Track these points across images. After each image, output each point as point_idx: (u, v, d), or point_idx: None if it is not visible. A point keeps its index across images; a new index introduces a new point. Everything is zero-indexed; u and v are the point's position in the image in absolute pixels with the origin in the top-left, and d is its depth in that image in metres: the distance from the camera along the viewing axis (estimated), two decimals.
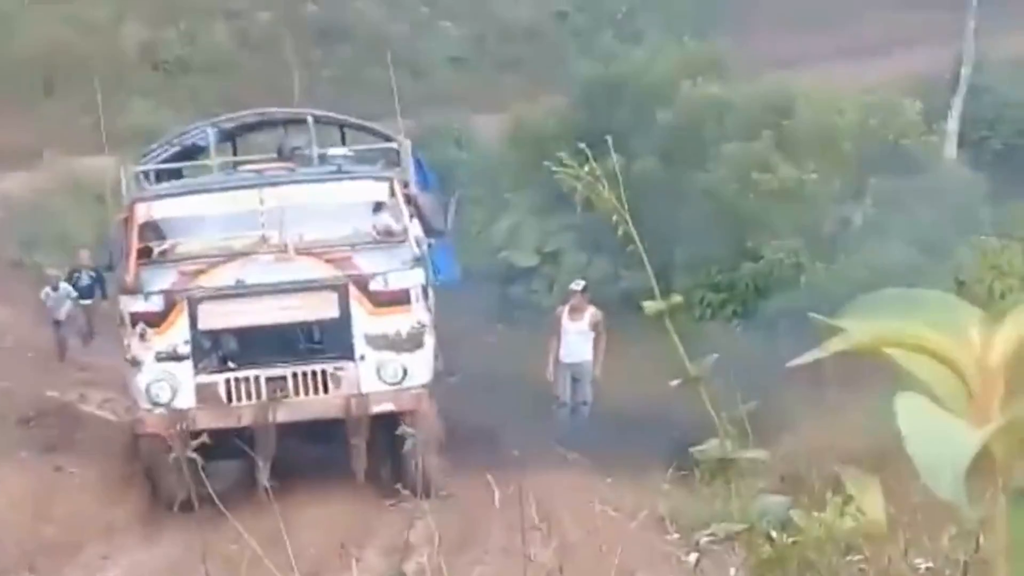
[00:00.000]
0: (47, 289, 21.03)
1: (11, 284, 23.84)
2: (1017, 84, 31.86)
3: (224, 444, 13.02)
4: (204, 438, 8.18)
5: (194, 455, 7.49)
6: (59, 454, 16.84)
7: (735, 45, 29.78)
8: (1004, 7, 32.66)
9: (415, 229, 16.69)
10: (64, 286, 21.20)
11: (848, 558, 3.58)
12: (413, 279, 16.07)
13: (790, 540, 3.41)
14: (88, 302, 22.48)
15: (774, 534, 3.44)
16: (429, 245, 17.30)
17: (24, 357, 21.71)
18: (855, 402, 13.40)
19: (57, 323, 21.13)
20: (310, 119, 18.62)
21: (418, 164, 19.06)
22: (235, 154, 20.02)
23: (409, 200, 16.87)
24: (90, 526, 14.84)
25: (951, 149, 28.84)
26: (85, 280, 22.52)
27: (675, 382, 3.38)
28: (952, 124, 29.56)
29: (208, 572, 7.28)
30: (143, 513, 15.58)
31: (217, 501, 6.06)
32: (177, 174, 18.43)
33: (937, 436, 0.85)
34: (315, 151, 17.88)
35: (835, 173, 23.96)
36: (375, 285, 15.75)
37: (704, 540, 4.53)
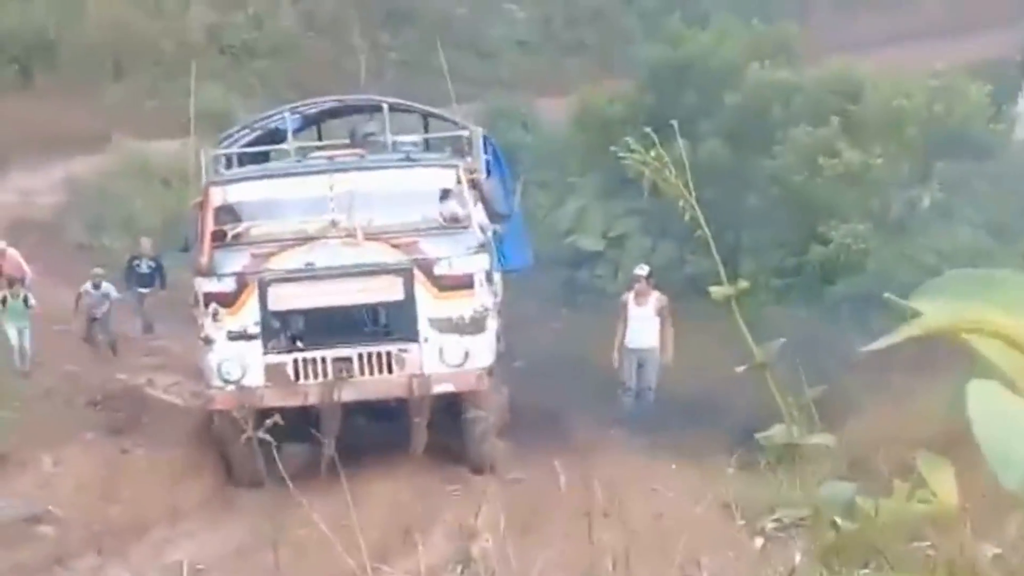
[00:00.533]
0: (88, 285, 20.92)
1: (77, 266, 23.62)
2: None
3: (293, 425, 13.06)
4: (276, 418, 8.31)
5: (265, 436, 7.41)
6: (126, 437, 17.18)
7: (801, 28, 29.52)
8: None
9: (480, 215, 16.92)
10: (107, 286, 21.00)
11: (915, 544, 3.34)
12: (477, 264, 16.31)
13: (855, 526, 3.45)
14: (147, 291, 22.29)
15: (839, 520, 3.54)
16: (496, 232, 17.48)
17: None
18: (924, 388, 13.35)
19: (93, 320, 21.07)
20: (385, 107, 18.77)
21: (492, 151, 19.23)
22: (320, 139, 20.25)
23: (475, 186, 17.07)
24: (156, 508, 15.08)
25: (1021, 132, 28.52)
26: (145, 268, 22.28)
27: (741, 368, 3.41)
28: (1022, 106, 29.25)
29: (277, 556, 7.45)
30: (209, 496, 15.92)
31: (288, 480, 6.03)
32: (256, 158, 18.68)
33: (1007, 424, 0.82)
34: (388, 138, 18.11)
35: (902, 157, 23.70)
36: (440, 270, 16.01)
37: (769, 526, 4.84)
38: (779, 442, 3.14)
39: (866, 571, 3.01)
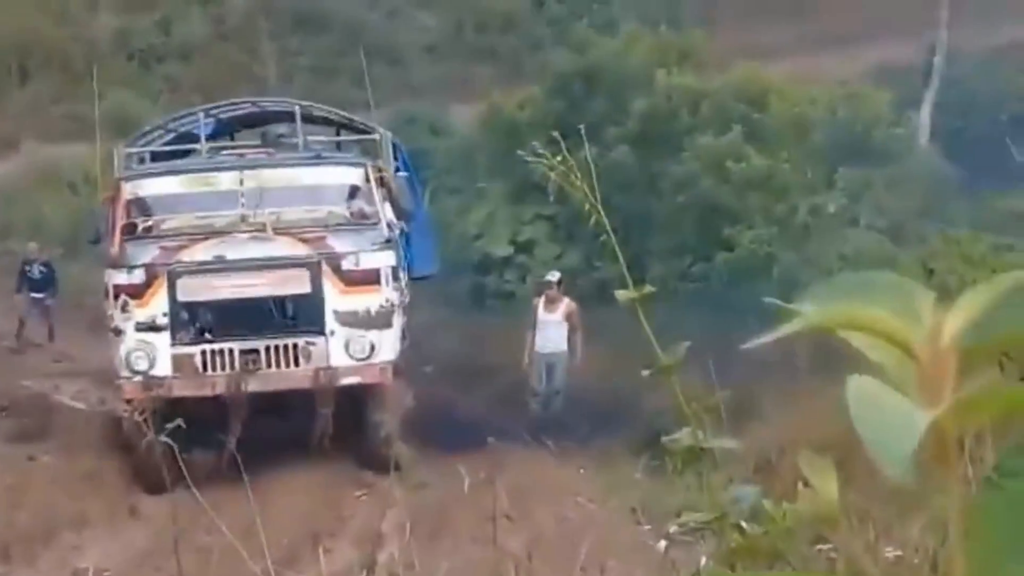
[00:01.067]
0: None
1: None
2: (990, 75, 32.24)
3: (200, 429, 13.23)
4: (179, 422, 8.44)
5: (168, 440, 7.55)
6: (33, 444, 17.25)
7: (708, 35, 30.11)
8: None
9: (388, 213, 17.43)
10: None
11: (818, 547, 3.47)
12: (383, 260, 16.72)
13: (760, 530, 3.34)
14: (41, 296, 22.39)
15: (744, 524, 3.33)
16: (403, 231, 18.07)
17: None
18: (828, 390, 13.51)
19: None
20: (297, 110, 19.41)
21: (401, 156, 20.00)
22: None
23: (383, 185, 17.54)
24: (63, 514, 14.94)
25: (923, 139, 29.18)
26: (36, 273, 22.40)
27: (646, 372, 3.39)
28: (925, 114, 29.92)
29: (180, 562, 7.45)
30: (115, 502, 15.73)
31: (192, 486, 6.06)
32: (168, 157, 19.08)
33: (887, 417, 0.85)
34: (300, 139, 18.67)
35: (807, 163, 24.34)
36: (346, 264, 16.38)
37: (674, 530, 4.46)
38: (685, 446, 3.34)
39: (770, 573, 3.14)
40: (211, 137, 20.04)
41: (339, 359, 16.45)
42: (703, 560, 4.04)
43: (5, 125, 32.60)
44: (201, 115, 20.21)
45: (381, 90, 20.67)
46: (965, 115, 31.00)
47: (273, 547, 6.16)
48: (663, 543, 4.84)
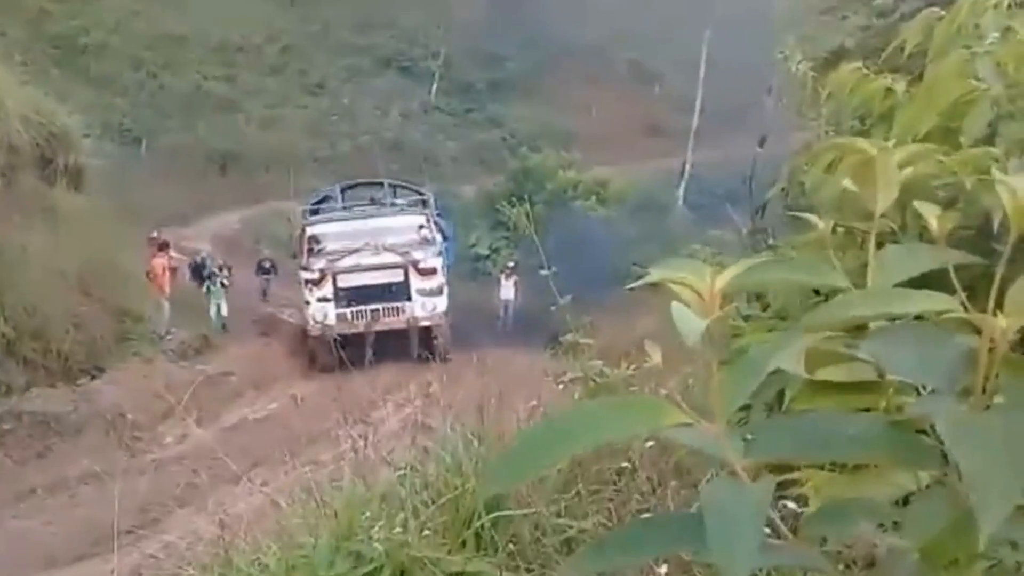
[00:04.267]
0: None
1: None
2: None
3: (350, 343, 19.38)
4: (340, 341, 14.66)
5: (335, 344, 12.88)
6: (269, 336, 26.66)
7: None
8: None
9: (438, 237, 25.36)
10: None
11: (632, 388, 5.24)
12: (438, 262, 24.51)
13: (603, 381, 5.40)
14: (268, 276, 31.74)
15: (596, 378, 5.44)
16: (446, 247, 25.79)
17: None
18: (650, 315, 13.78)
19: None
20: (386, 183, 27.04)
21: (438, 205, 27.67)
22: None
23: (435, 223, 25.49)
24: (280, 371, 22.38)
25: None
26: (268, 265, 31.98)
27: (553, 307, 6.01)
28: None
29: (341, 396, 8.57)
30: (304, 369, 22.92)
31: (349, 365, 8.92)
32: (323, 210, 26.73)
33: (689, 322, 1.23)
34: (389, 199, 26.74)
35: None
36: (421, 265, 23.93)
37: (565, 380, 6.00)
38: (569, 340, 5.91)
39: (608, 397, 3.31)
40: (342, 198, 27.64)
41: (418, 312, 23.91)
42: (576, 395, 5.82)
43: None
44: (337, 187, 27.62)
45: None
46: None
47: (379, 389, 9.99)
48: (560, 386, 6.15)
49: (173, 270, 25.22)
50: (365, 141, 47.84)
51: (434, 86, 54.92)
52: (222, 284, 27.39)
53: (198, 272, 28.41)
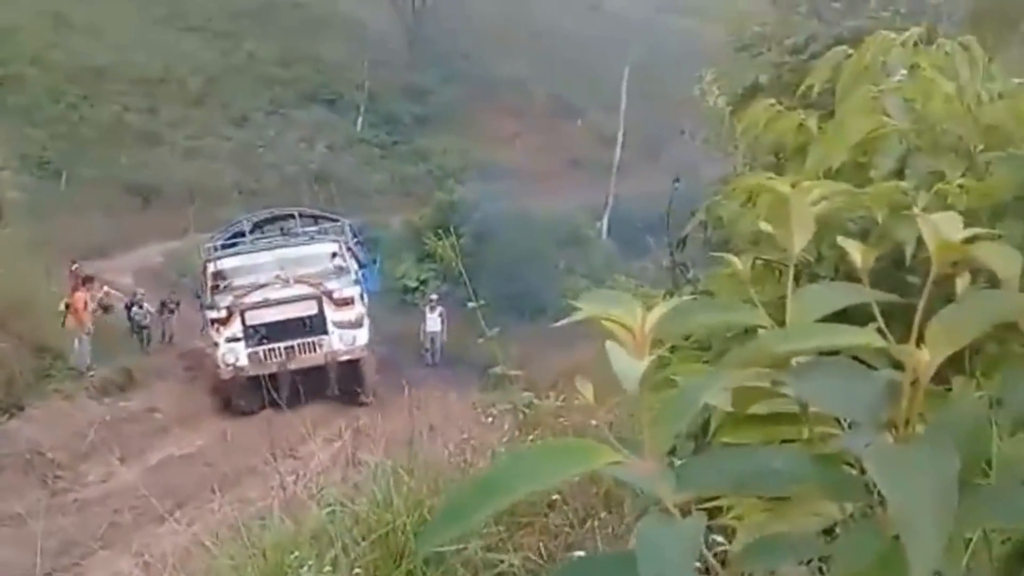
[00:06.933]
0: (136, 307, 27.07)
1: None
2: None
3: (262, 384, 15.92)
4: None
5: (265, 381, 13.00)
6: (195, 371, 25.44)
7: None
8: None
9: (354, 264, 24.39)
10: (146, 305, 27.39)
11: (561, 419, 5.59)
12: (355, 291, 23.35)
13: (532, 411, 5.79)
14: (174, 315, 29.52)
15: (526, 410, 5.86)
16: (364, 274, 24.81)
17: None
18: (586, 351, 13.28)
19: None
20: (296, 213, 26.52)
21: (354, 232, 26.45)
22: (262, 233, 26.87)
23: (349, 250, 24.62)
24: (207, 407, 22.00)
25: None
26: (172, 305, 29.36)
27: (480, 339, 6.08)
28: None
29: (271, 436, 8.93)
30: (220, 411, 22.45)
31: (270, 406, 9.78)
32: (230, 245, 25.36)
33: (625, 364, 1.22)
34: (299, 228, 25.41)
35: None
36: (336, 295, 22.77)
37: (496, 411, 6.05)
38: (499, 373, 6.44)
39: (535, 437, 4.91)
40: (251, 231, 26.46)
41: (337, 345, 22.65)
42: (506, 426, 6.08)
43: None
44: (245, 221, 26.82)
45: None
46: None
47: (308, 424, 9.01)
48: (489, 419, 6.19)
49: (106, 308, 24.66)
50: (291, 173, 47.99)
51: (359, 119, 54.89)
52: (149, 312, 26.89)
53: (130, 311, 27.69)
